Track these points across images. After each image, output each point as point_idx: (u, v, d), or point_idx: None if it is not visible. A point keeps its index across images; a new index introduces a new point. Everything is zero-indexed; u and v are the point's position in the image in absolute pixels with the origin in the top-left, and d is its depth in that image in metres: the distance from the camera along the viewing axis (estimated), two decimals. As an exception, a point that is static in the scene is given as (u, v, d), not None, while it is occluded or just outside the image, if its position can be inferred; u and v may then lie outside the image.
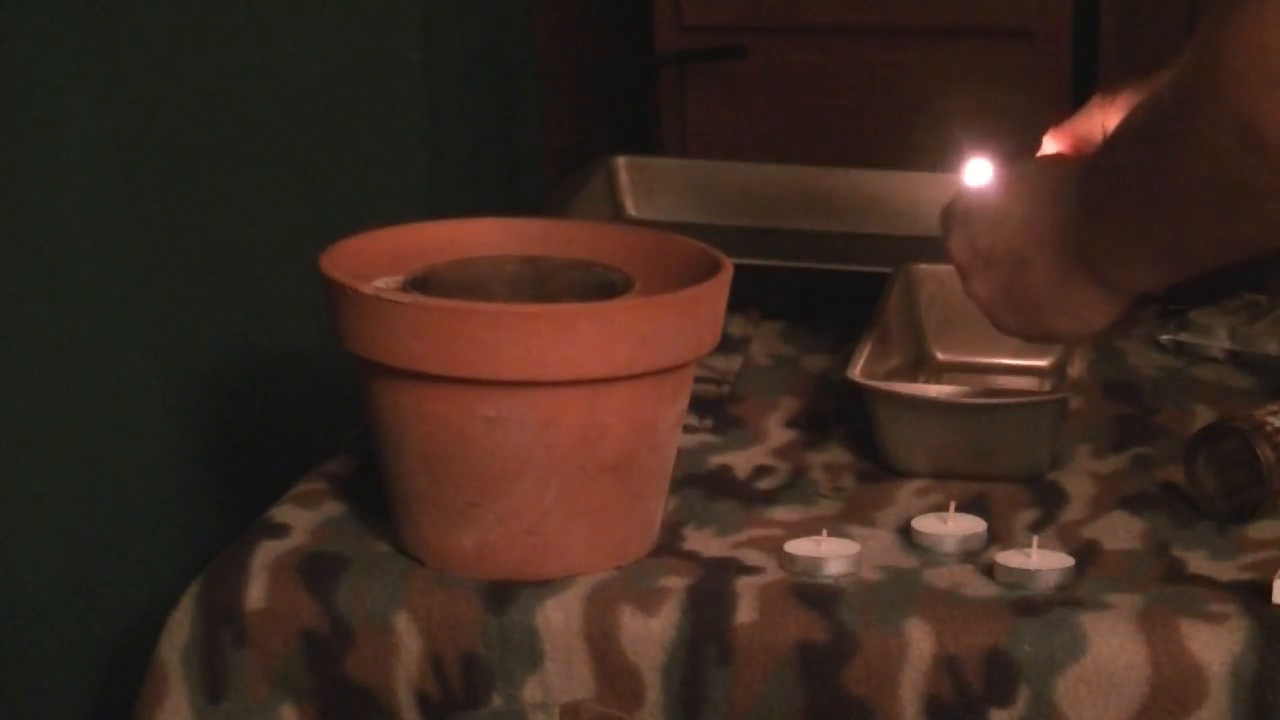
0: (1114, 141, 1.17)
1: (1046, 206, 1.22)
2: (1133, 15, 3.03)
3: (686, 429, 1.38)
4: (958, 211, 1.29)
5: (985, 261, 1.26)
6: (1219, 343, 1.65)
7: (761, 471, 1.44)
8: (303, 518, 1.36)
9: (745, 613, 1.23)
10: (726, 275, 1.28)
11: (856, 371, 1.44)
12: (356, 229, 1.35)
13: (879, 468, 1.43)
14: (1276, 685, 1.17)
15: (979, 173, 1.32)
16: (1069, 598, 1.23)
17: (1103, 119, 1.27)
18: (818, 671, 1.21)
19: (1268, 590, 1.21)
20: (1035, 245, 1.23)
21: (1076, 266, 1.21)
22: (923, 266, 1.62)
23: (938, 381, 1.58)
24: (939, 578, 1.27)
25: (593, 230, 1.42)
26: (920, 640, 1.21)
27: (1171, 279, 1.23)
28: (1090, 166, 1.19)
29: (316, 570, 1.29)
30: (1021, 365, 1.60)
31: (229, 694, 1.29)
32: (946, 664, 1.20)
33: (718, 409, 1.54)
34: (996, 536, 1.32)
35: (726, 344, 1.47)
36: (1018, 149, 1.35)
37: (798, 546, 1.28)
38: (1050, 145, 1.31)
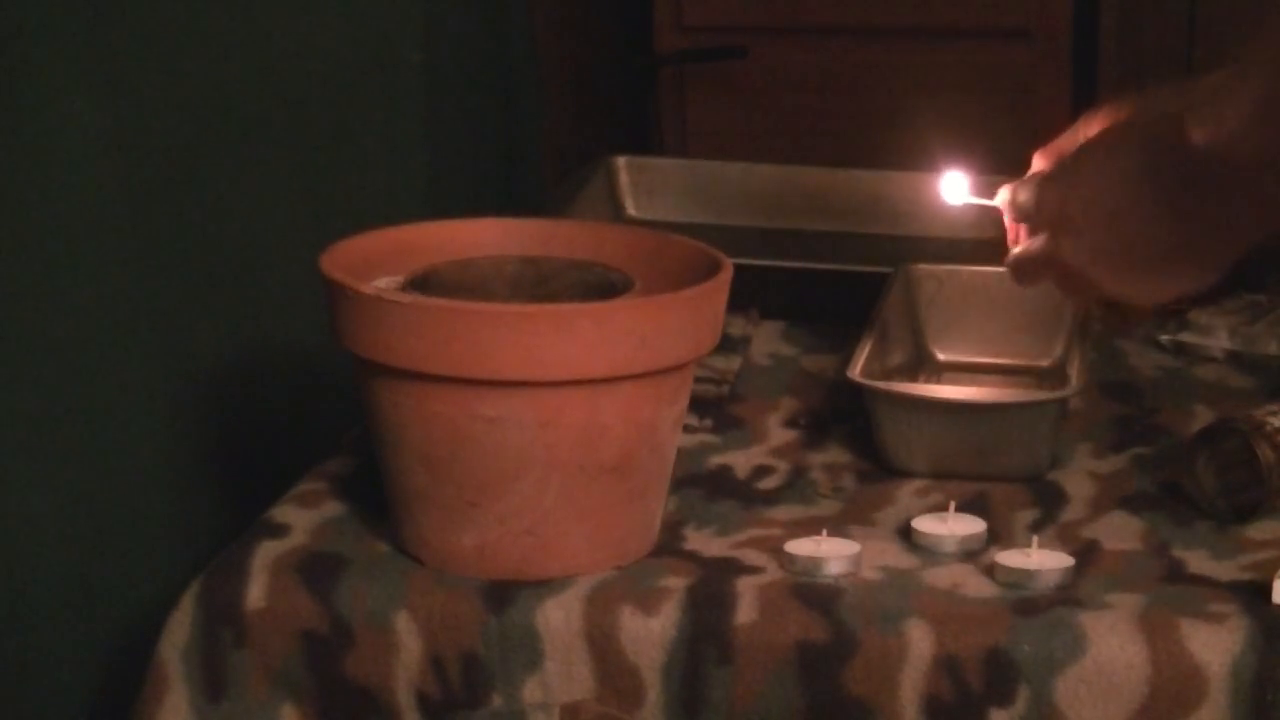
0: (1229, 95, 1.13)
1: (1140, 166, 1.19)
2: (1133, 15, 3.03)
3: (686, 429, 1.38)
4: (1052, 217, 1.24)
5: (1083, 221, 1.21)
6: (1219, 343, 1.65)
7: (761, 471, 1.44)
8: (303, 518, 1.36)
9: (745, 613, 1.23)
10: (726, 275, 1.28)
11: (856, 371, 1.44)
12: (356, 229, 1.35)
13: (879, 468, 1.43)
14: (1276, 685, 1.17)
15: (954, 187, 1.32)
16: (1069, 598, 1.23)
17: (1087, 135, 1.26)
18: (818, 671, 1.21)
19: (1268, 590, 1.21)
20: (1131, 203, 1.19)
21: (1169, 226, 1.18)
22: (923, 266, 1.62)
23: (938, 381, 1.58)
24: (939, 578, 1.27)
25: (593, 230, 1.42)
26: (920, 640, 1.21)
27: (1254, 242, 1.22)
28: (1197, 123, 1.15)
29: (316, 570, 1.29)
30: (1021, 365, 1.60)
31: (229, 694, 1.29)
32: (946, 664, 1.20)
33: (718, 409, 1.54)
34: (996, 536, 1.32)
35: (726, 344, 1.47)
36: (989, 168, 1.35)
37: (798, 546, 1.28)
38: (1038, 164, 1.29)
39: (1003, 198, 1.29)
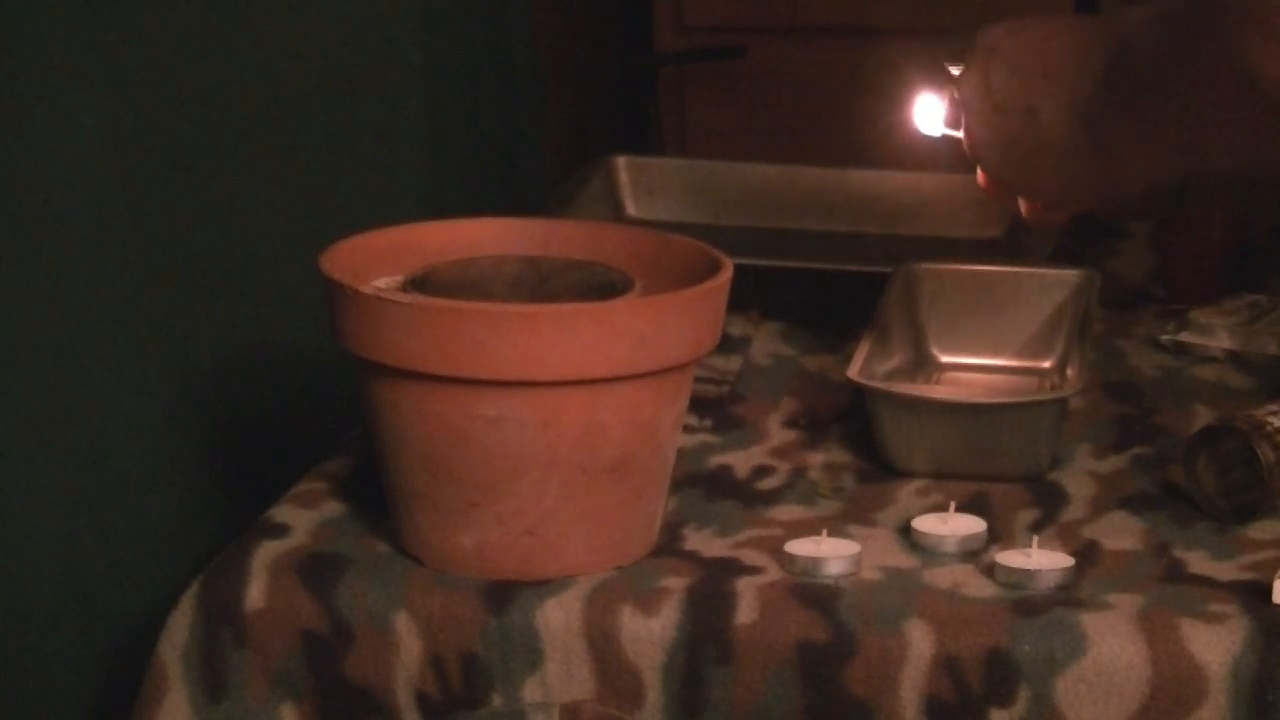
0: (1136, 26, 1.17)
1: (1069, 67, 1.22)
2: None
3: (686, 429, 1.38)
4: (979, 50, 1.28)
5: (994, 104, 1.26)
6: (1219, 343, 1.65)
7: (761, 471, 1.44)
8: (303, 518, 1.36)
9: (745, 613, 1.23)
10: (726, 275, 1.28)
11: (856, 371, 1.44)
12: (356, 229, 1.35)
13: (879, 468, 1.43)
14: (1276, 685, 1.17)
15: (929, 110, 1.32)
16: (1069, 598, 1.23)
17: None
18: (818, 671, 1.21)
19: (1268, 590, 1.21)
20: (1050, 100, 1.23)
21: (1082, 131, 1.21)
22: (923, 266, 1.62)
23: (938, 381, 1.58)
24: (939, 578, 1.27)
25: (593, 230, 1.42)
26: (920, 640, 1.21)
27: (1167, 173, 1.23)
28: (1114, 39, 1.20)
29: (316, 570, 1.29)
30: (1021, 365, 1.60)
31: (229, 694, 1.29)
32: (946, 664, 1.20)
33: (718, 409, 1.54)
34: (996, 536, 1.32)
35: (726, 344, 1.47)
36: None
37: (798, 546, 1.28)
38: None
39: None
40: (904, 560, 1.30)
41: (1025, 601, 1.23)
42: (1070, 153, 1.23)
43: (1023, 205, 1.32)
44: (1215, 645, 1.18)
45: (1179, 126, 1.14)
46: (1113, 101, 1.19)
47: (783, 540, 1.30)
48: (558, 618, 1.25)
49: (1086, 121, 1.21)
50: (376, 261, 1.32)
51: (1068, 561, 1.26)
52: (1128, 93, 1.18)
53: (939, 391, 1.46)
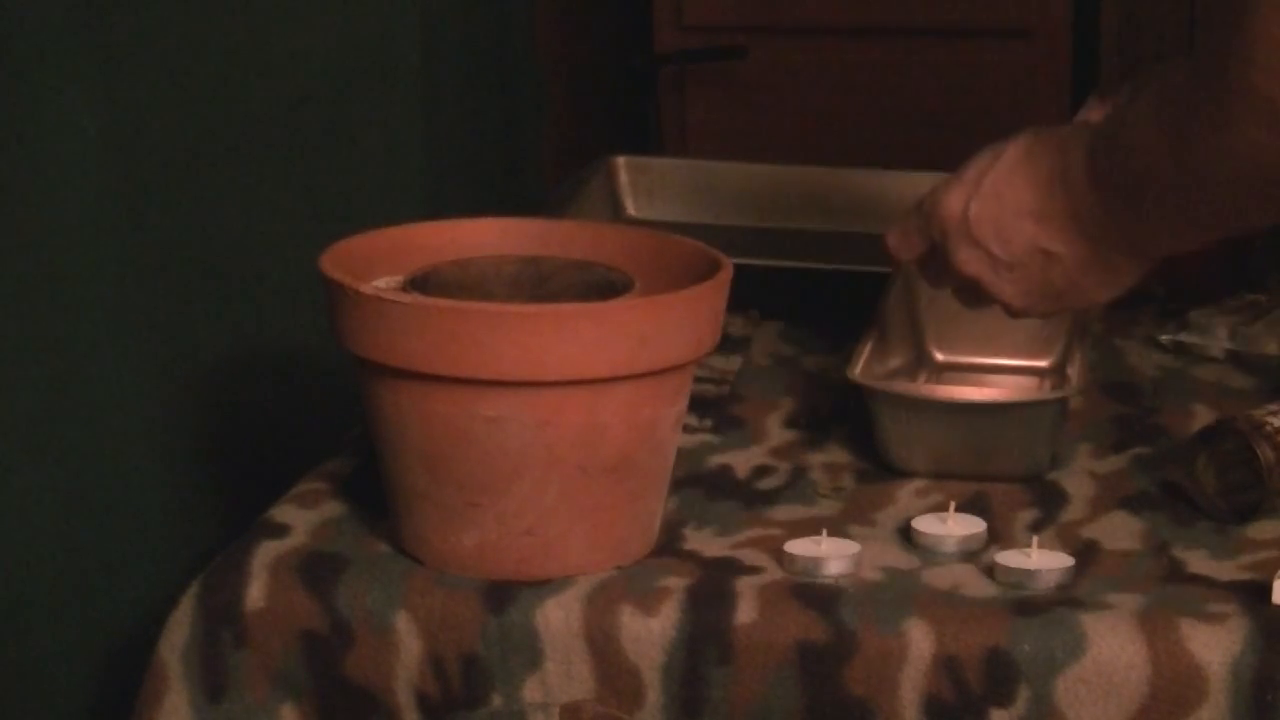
0: (1128, 122, 1.17)
1: (1054, 196, 1.23)
2: (1133, 15, 3.03)
3: (686, 429, 1.38)
4: (950, 225, 1.28)
5: (1008, 266, 1.26)
6: (1219, 343, 1.65)
7: (761, 471, 1.44)
8: (303, 518, 1.36)
9: (745, 613, 1.23)
10: (726, 275, 1.28)
11: (856, 371, 1.44)
12: (356, 229, 1.35)
13: (879, 468, 1.43)
14: (1276, 685, 1.17)
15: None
16: (1069, 598, 1.23)
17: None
18: (818, 671, 1.21)
19: (1268, 590, 1.21)
20: (1058, 238, 1.23)
21: (1109, 246, 1.22)
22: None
23: (938, 381, 1.58)
24: (939, 578, 1.27)
25: (593, 230, 1.42)
26: (920, 640, 1.21)
27: (1214, 238, 1.24)
28: (1102, 149, 1.20)
29: (316, 570, 1.29)
30: (1021, 365, 1.60)
31: (229, 694, 1.29)
32: (946, 664, 1.20)
33: (718, 409, 1.54)
34: (996, 536, 1.32)
35: (726, 344, 1.47)
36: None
37: (798, 546, 1.28)
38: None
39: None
40: (904, 560, 1.30)
41: (1025, 601, 1.23)
42: (1107, 265, 1.24)
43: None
44: (1215, 645, 1.18)
45: (1209, 210, 1.15)
46: (1114, 207, 1.20)
47: (783, 540, 1.30)
48: (558, 618, 1.25)
49: (1108, 234, 1.22)
50: (376, 261, 1.32)
51: (1067, 561, 1.26)
52: (1129, 194, 1.18)
53: (939, 391, 1.46)
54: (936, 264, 1.32)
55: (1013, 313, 1.31)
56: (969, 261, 1.28)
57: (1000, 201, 1.25)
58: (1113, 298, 1.28)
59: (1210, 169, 1.10)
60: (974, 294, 1.31)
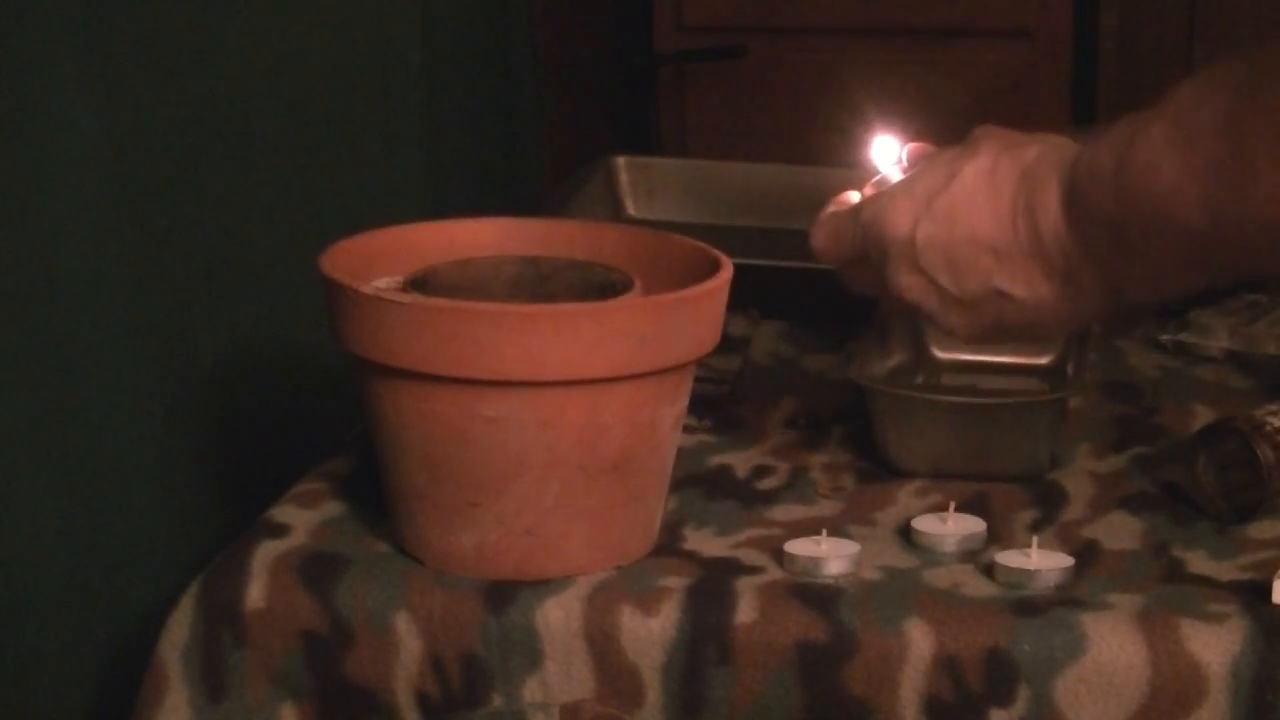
0: (1134, 160, 1.03)
1: (1018, 232, 1.11)
2: (1133, 15, 3.03)
3: (686, 429, 1.38)
4: (894, 247, 1.16)
5: (957, 301, 1.15)
6: (1219, 343, 1.65)
7: (761, 471, 1.44)
8: (303, 518, 1.36)
9: (745, 612, 1.23)
10: (726, 275, 1.28)
11: (856, 372, 1.44)
12: (356, 229, 1.35)
13: (879, 468, 1.43)
14: (1276, 685, 1.17)
15: (886, 152, 1.27)
16: (1069, 598, 1.23)
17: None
18: (818, 671, 1.21)
19: (1268, 590, 1.21)
20: (1020, 280, 1.12)
21: (1079, 288, 1.11)
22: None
23: (938, 381, 1.58)
24: (939, 578, 1.27)
25: (593, 230, 1.42)
26: (920, 640, 1.21)
27: (1218, 284, 1.17)
28: (1087, 187, 1.07)
29: (316, 570, 1.29)
30: (1021, 365, 1.60)
31: (229, 694, 1.29)
32: (946, 664, 1.20)
33: (718, 409, 1.54)
34: (996, 536, 1.32)
35: (726, 344, 1.47)
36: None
37: (798, 546, 1.28)
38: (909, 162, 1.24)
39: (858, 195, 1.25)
40: (904, 560, 1.30)
41: (1025, 601, 1.23)
42: (1062, 305, 1.13)
43: None
44: (1215, 645, 1.18)
45: (1201, 264, 1.04)
46: (1098, 253, 1.08)
47: (782, 540, 1.30)
48: (558, 617, 1.25)
49: (1068, 278, 1.11)
50: (376, 261, 1.32)
51: (1067, 561, 1.26)
52: (1127, 239, 1.06)
53: (939, 392, 1.46)
54: (869, 276, 1.21)
55: (956, 338, 1.21)
56: (912, 289, 1.17)
57: (953, 229, 1.13)
58: (1077, 330, 1.21)
59: (1266, 213, 0.96)
60: (910, 314, 1.20)
